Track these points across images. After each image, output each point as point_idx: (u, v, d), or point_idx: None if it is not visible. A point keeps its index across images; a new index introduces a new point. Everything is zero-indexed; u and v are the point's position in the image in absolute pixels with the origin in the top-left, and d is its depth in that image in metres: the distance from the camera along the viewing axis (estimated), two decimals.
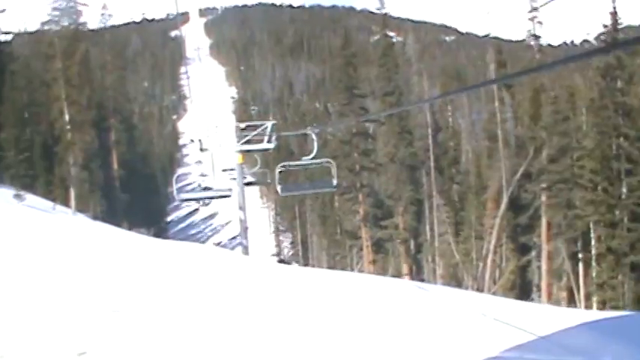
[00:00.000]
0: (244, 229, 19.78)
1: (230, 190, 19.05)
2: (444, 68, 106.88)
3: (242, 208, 19.60)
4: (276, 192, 21.81)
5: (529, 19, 40.14)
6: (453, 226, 42.78)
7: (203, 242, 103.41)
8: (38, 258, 11.20)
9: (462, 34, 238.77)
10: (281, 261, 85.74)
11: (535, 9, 39.11)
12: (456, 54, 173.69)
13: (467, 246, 41.21)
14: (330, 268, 59.95)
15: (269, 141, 18.90)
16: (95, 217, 39.49)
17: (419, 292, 12.80)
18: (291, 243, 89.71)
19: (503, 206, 36.21)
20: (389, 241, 48.84)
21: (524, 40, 43.71)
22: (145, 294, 9.15)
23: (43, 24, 47.78)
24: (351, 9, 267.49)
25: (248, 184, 21.54)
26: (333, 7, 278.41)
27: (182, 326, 7.49)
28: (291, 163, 15.60)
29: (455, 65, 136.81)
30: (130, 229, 37.21)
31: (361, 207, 48.20)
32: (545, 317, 10.38)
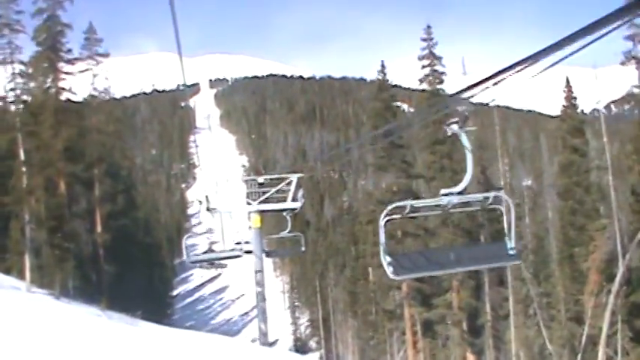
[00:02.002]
0: (262, 311, 16.56)
1: (241, 250, 16.39)
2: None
3: (260, 283, 16.08)
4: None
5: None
6: (544, 306, 33.28)
7: (212, 318, 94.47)
8: None
9: (474, 104, 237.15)
10: (298, 346, 76.06)
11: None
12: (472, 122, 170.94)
13: (562, 332, 31.55)
14: (362, 355, 50.48)
15: (294, 199, 15.67)
16: (64, 294, 29.34)
17: None
18: (310, 321, 79.57)
19: (618, 279, 26.96)
20: (440, 323, 39.48)
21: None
22: None
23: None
24: (362, 80, 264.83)
25: (269, 253, 17.81)
26: (344, 78, 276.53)
27: None
28: (416, 202, 6.46)
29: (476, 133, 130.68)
30: (111, 308, 28.15)
31: (404, 281, 39.21)
32: None
